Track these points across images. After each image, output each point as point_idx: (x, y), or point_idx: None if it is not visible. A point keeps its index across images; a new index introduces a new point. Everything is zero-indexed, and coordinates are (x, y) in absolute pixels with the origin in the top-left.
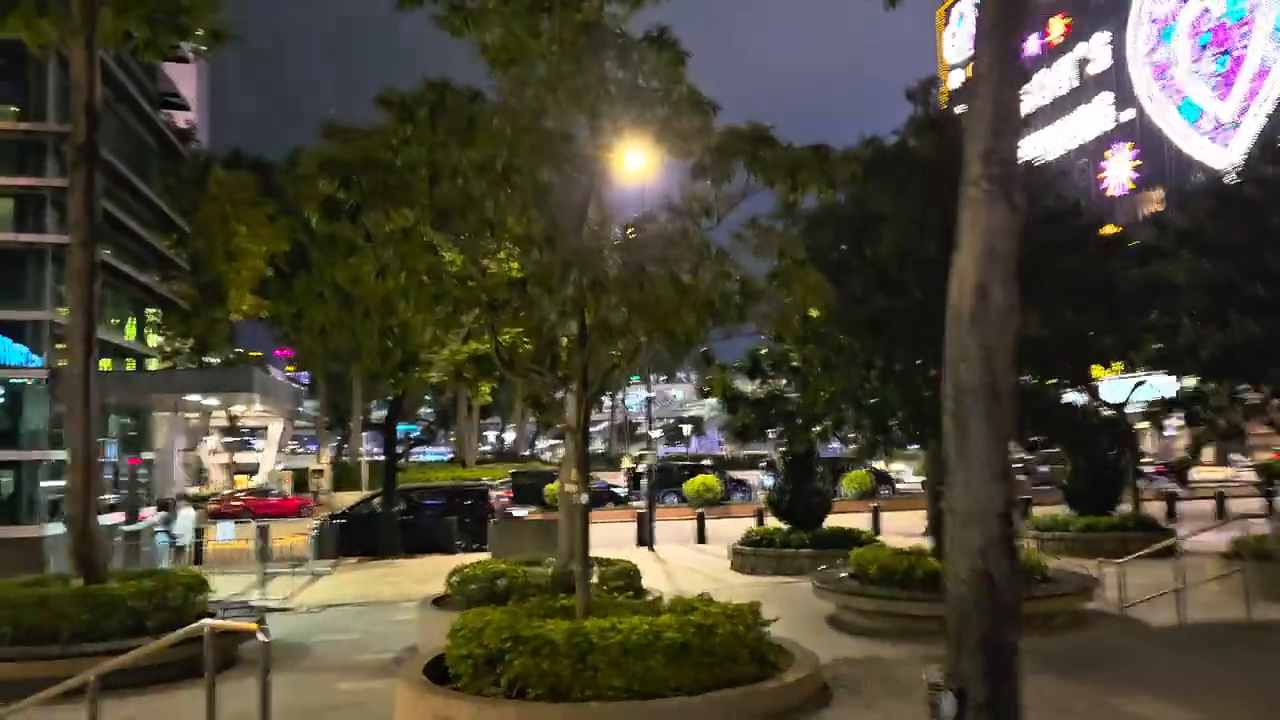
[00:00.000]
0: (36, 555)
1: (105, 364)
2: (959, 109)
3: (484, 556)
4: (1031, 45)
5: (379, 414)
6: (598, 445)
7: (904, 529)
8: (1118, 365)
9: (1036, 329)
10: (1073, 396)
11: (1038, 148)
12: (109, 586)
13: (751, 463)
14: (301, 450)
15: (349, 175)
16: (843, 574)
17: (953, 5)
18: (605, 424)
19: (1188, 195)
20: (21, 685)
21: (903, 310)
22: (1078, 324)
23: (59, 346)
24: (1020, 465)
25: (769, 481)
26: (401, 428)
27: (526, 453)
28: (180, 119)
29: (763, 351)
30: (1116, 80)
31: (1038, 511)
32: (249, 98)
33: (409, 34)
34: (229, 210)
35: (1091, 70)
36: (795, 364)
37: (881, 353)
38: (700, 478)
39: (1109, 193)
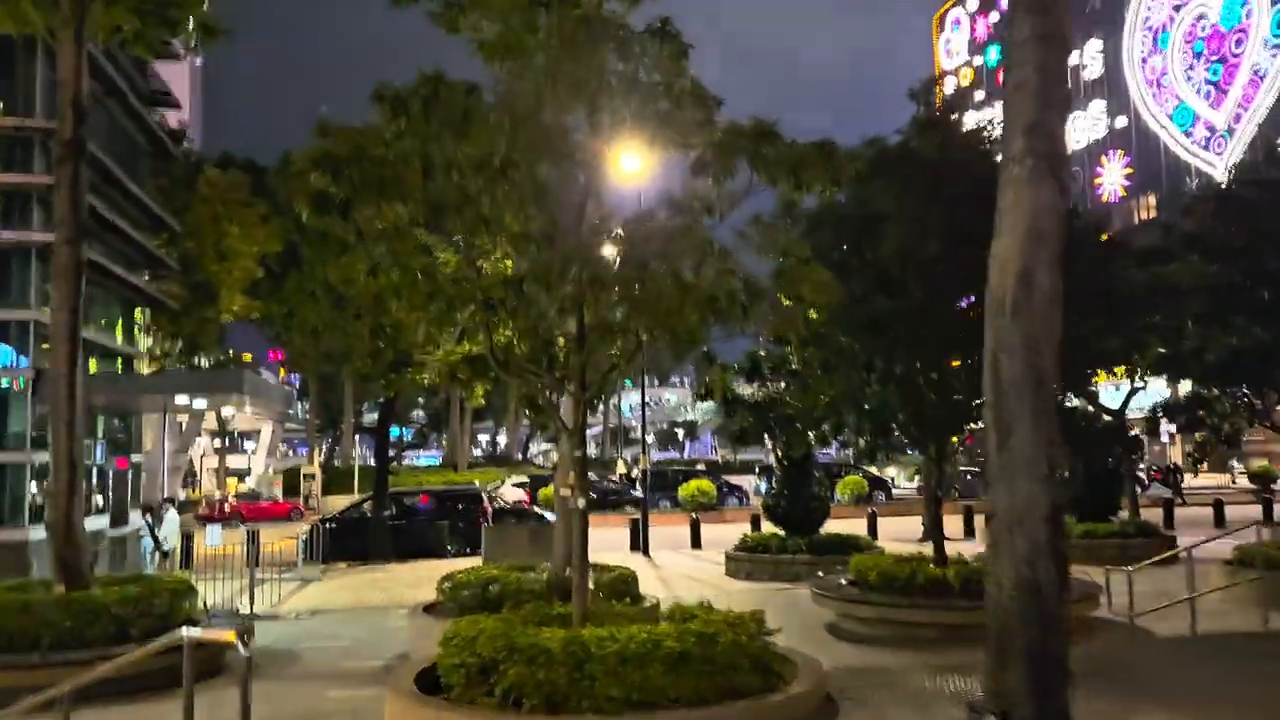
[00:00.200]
0: (21, 559)
1: (94, 365)
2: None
3: (476, 561)
4: None
5: (371, 417)
6: (590, 449)
7: (901, 534)
8: (1120, 369)
9: None
10: (1074, 401)
11: None
12: (92, 593)
13: (745, 467)
14: (292, 454)
15: (339, 168)
16: (842, 581)
17: (947, 12)
18: (598, 428)
19: (1192, 199)
20: (1, 694)
21: (904, 311)
22: (1079, 327)
23: (45, 346)
24: None
25: (764, 486)
26: (394, 431)
27: (519, 457)
28: (172, 118)
29: (761, 354)
30: (1110, 87)
31: None
32: (247, 103)
33: (405, 38)
34: (220, 210)
35: (1086, 77)
36: (794, 366)
37: (882, 354)
38: (694, 482)
39: (1104, 198)
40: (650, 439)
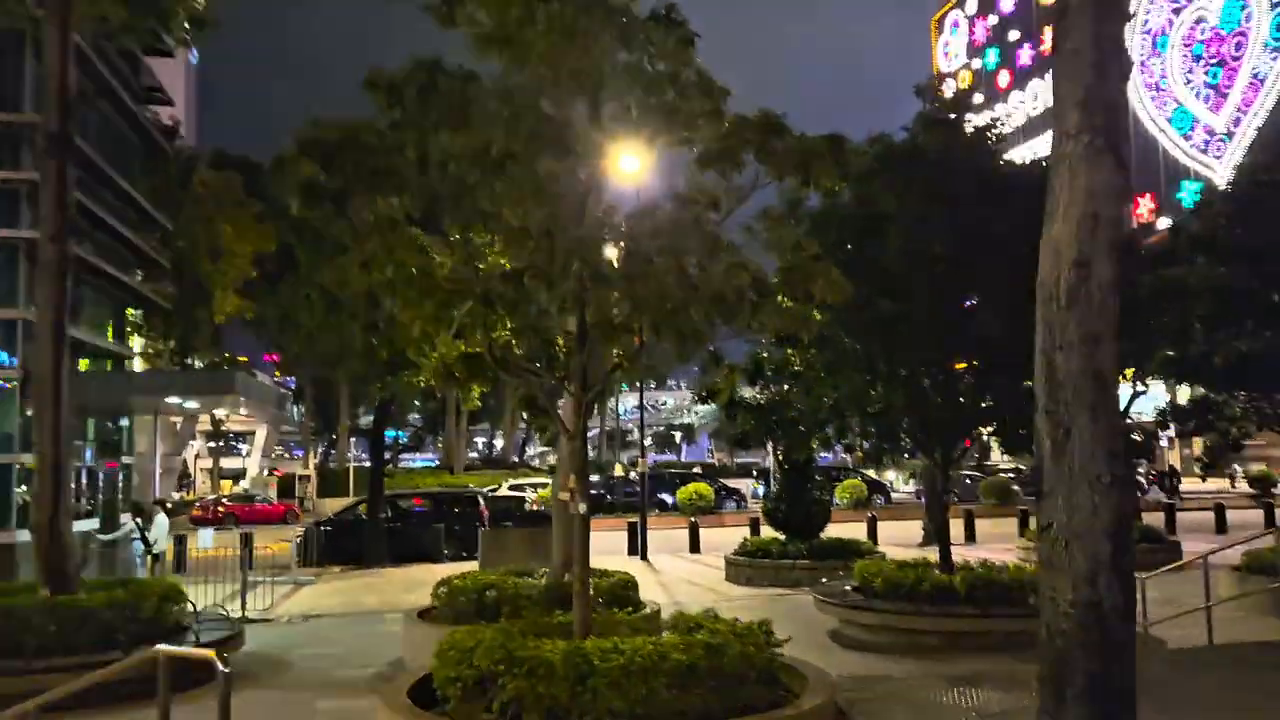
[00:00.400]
0: (9, 562)
1: (84, 365)
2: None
3: (472, 566)
4: (1024, 56)
5: (367, 419)
6: (588, 452)
7: (901, 539)
8: (1129, 371)
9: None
10: None
11: (1031, 155)
12: (78, 597)
13: (743, 471)
14: (288, 456)
15: (331, 156)
16: (846, 587)
17: (946, 14)
18: (595, 430)
19: (1203, 201)
20: None
21: (909, 312)
22: None
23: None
24: (1013, 474)
25: (762, 490)
26: (390, 434)
27: (516, 460)
28: (165, 115)
29: (764, 355)
30: None
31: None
32: (241, 100)
33: (405, 38)
34: (213, 210)
35: None
36: (797, 368)
37: (885, 357)
38: (692, 485)
39: None
40: (648, 441)
